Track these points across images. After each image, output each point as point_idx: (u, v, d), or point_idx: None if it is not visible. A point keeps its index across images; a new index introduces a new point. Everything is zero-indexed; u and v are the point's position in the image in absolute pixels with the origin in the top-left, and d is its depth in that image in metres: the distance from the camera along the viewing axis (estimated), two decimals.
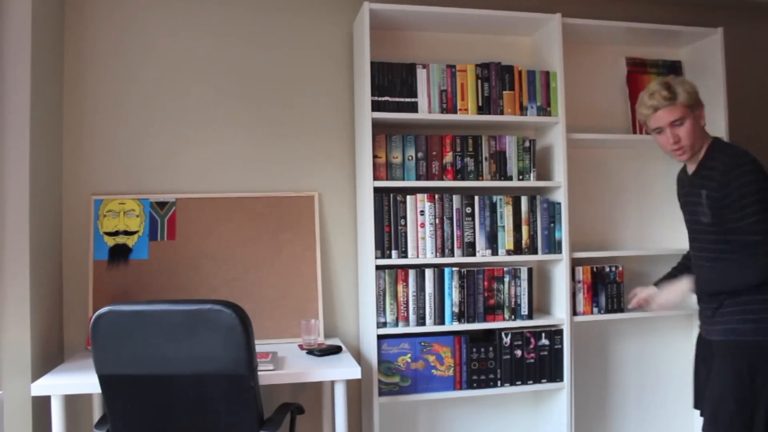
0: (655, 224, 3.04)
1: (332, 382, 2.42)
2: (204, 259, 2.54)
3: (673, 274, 2.34)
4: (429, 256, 2.52)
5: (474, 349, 2.55)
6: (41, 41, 2.29)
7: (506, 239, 2.60)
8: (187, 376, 1.78)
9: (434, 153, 2.57)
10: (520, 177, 2.65)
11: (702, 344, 2.16)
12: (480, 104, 2.60)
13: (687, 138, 2.04)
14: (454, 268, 2.54)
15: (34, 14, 2.22)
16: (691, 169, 2.13)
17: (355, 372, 2.12)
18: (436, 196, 2.54)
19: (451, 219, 2.55)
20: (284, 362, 2.21)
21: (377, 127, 2.64)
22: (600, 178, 2.99)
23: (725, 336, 1.98)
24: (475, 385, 2.55)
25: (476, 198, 2.58)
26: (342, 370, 2.12)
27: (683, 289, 2.09)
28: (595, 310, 2.69)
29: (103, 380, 1.79)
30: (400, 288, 2.50)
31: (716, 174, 1.97)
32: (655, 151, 3.06)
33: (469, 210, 2.57)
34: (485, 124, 2.72)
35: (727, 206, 1.94)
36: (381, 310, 2.48)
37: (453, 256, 2.55)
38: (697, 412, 3.06)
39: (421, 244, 2.52)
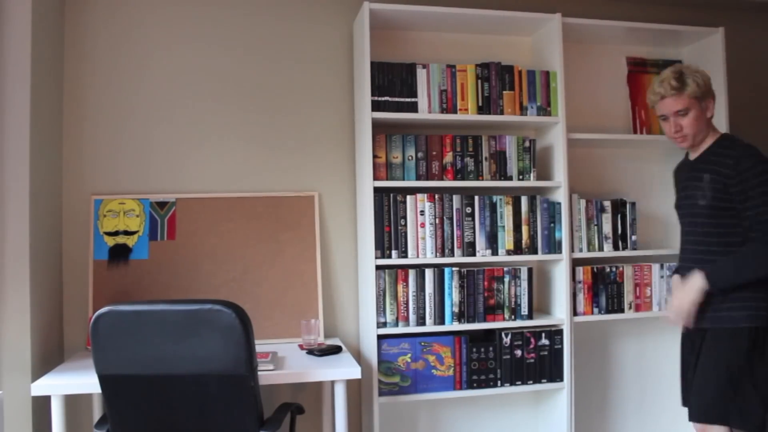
0: (655, 224, 3.04)
1: (332, 382, 2.43)
2: (204, 259, 2.54)
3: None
4: (429, 256, 2.52)
5: (474, 349, 2.55)
6: (41, 41, 2.29)
7: (506, 239, 2.60)
8: (187, 376, 1.78)
9: (434, 153, 2.57)
10: (520, 177, 2.65)
11: (690, 339, 2.21)
12: (480, 104, 2.60)
13: (689, 128, 2.12)
14: (454, 268, 2.54)
15: (34, 14, 2.22)
16: (694, 156, 2.20)
17: (355, 372, 2.12)
18: (436, 196, 2.54)
19: (451, 219, 2.55)
20: (284, 362, 2.21)
21: (377, 127, 2.64)
22: (600, 178, 2.99)
23: (719, 324, 2.05)
24: (475, 385, 2.55)
25: (476, 198, 2.58)
26: (342, 370, 2.12)
27: (698, 286, 2.07)
28: (596, 310, 2.69)
29: (103, 380, 1.79)
30: (400, 288, 2.50)
31: (728, 161, 2.04)
32: (655, 151, 3.07)
33: (469, 210, 2.57)
34: (485, 124, 2.72)
35: (742, 192, 2.01)
36: (381, 310, 2.49)
37: (453, 256, 2.55)
38: None
39: (421, 244, 2.52)
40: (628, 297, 2.73)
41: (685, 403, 2.20)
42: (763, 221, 2.00)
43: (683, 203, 2.21)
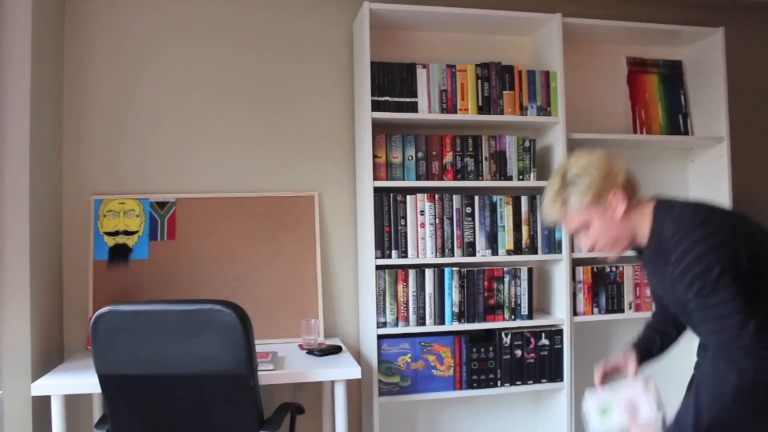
0: None
1: (332, 382, 2.43)
2: (204, 259, 2.54)
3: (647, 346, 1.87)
4: (429, 256, 2.52)
5: (474, 349, 2.55)
6: (41, 41, 2.29)
7: (506, 239, 2.60)
8: (187, 376, 1.78)
9: (434, 153, 2.57)
10: (520, 177, 2.65)
11: None
12: (480, 104, 2.60)
13: (600, 241, 1.65)
14: (454, 268, 2.54)
15: (34, 14, 2.22)
16: (643, 242, 1.66)
17: (355, 372, 2.12)
18: (436, 196, 2.54)
19: (451, 219, 2.55)
20: (284, 362, 2.21)
21: (377, 127, 2.64)
22: None
23: None
24: (475, 385, 2.55)
25: (476, 198, 2.58)
26: (342, 370, 2.12)
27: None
28: (596, 310, 2.69)
29: (103, 380, 1.79)
30: (400, 288, 2.50)
31: (669, 247, 1.51)
32: (655, 151, 3.06)
33: (469, 210, 2.57)
34: (485, 124, 2.72)
35: (688, 288, 1.46)
36: (381, 310, 2.48)
37: (453, 256, 2.55)
38: None
39: (421, 244, 2.52)
40: (628, 297, 2.73)
41: None
42: (716, 331, 1.44)
43: (665, 296, 1.68)
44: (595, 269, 2.70)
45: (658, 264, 1.61)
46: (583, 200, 1.62)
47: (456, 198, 2.56)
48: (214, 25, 2.66)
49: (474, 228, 2.57)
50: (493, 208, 2.60)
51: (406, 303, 2.50)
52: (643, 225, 1.64)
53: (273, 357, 2.20)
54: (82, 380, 1.98)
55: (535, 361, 2.60)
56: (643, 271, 1.85)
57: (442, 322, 2.53)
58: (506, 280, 2.60)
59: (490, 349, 2.57)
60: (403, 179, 2.54)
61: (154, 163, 2.60)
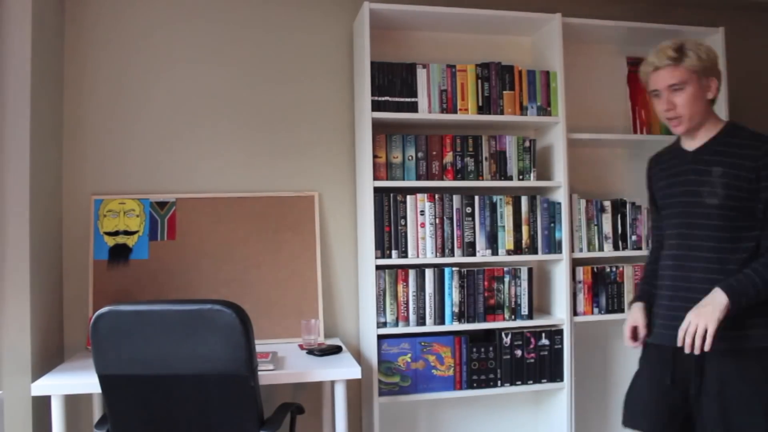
0: None
1: (332, 382, 2.43)
2: (204, 259, 2.54)
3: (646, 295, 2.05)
4: (429, 256, 2.52)
5: (474, 349, 2.55)
6: (41, 41, 2.29)
7: (506, 239, 2.60)
8: (187, 376, 1.78)
9: (434, 153, 2.57)
10: (520, 177, 2.65)
11: (661, 356, 1.91)
12: (480, 104, 2.60)
13: (684, 107, 1.82)
14: (454, 268, 2.54)
15: (34, 14, 2.22)
16: (693, 145, 1.90)
17: (355, 372, 2.12)
18: (436, 196, 2.54)
19: (451, 219, 2.55)
20: (284, 362, 2.21)
21: (377, 127, 2.64)
22: (600, 178, 2.99)
23: (747, 343, 1.74)
24: (475, 385, 2.55)
25: (476, 198, 2.58)
26: (342, 370, 2.12)
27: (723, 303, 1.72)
28: (596, 310, 2.69)
29: (103, 380, 1.79)
30: (400, 288, 2.50)
31: (747, 151, 1.77)
32: (655, 151, 3.06)
33: (469, 210, 2.57)
34: (485, 124, 2.72)
35: (762, 190, 1.74)
36: (381, 310, 2.49)
37: (453, 256, 2.55)
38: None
39: (421, 244, 2.52)
40: (628, 297, 2.73)
41: (636, 425, 1.92)
42: None
43: (678, 200, 1.89)
44: (595, 269, 2.70)
45: (707, 163, 1.82)
46: (698, 64, 1.81)
47: (456, 198, 2.56)
48: (215, 25, 2.66)
49: (474, 228, 2.57)
50: (493, 208, 2.60)
51: (406, 303, 2.50)
52: (713, 121, 1.88)
53: (273, 357, 2.20)
54: (82, 380, 1.98)
55: (535, 361, 2.60)
56: (663, 168, 2.01)
57: (442, 322, 2.53)
58: (506, 280, 2.60)
59: (490, 349, 2.57)
60: (403, 179, 2.54)
61: (154, 163, 2.60)
